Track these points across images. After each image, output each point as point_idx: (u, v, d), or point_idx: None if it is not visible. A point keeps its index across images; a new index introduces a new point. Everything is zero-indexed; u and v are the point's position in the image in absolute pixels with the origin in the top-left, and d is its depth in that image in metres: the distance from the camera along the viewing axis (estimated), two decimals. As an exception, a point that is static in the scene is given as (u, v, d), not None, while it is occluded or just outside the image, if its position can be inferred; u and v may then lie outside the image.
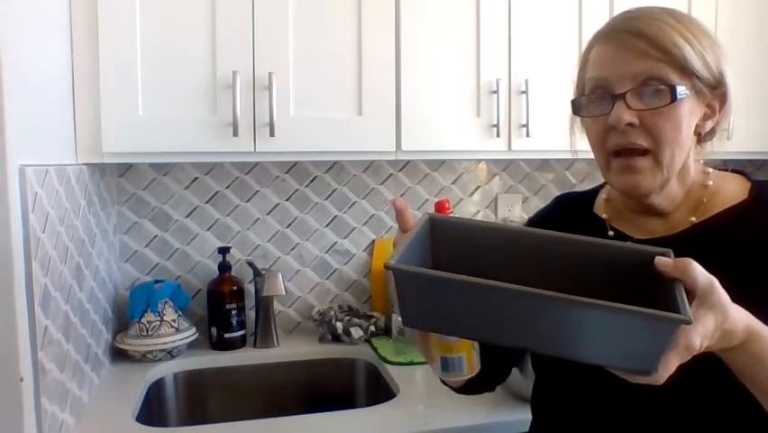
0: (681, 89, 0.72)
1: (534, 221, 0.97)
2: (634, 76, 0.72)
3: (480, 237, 0.71)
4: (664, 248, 0.65)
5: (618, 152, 0.75)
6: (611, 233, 0.84)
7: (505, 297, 0.58)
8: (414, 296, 0.62)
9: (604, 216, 0.87)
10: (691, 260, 0.61)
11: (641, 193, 0.77)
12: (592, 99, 0.77)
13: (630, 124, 0.72)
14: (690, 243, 0.77)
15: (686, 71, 0.72)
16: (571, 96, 0.82)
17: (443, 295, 0.61)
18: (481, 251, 0.70)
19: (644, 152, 0.74)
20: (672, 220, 0.80)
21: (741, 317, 0.61)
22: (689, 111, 0.74)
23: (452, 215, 0.72)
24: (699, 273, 0.59)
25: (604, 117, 0.75)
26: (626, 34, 0.74)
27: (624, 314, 0.55)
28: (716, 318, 0.59)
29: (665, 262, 0.62)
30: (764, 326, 0.64)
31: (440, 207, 0.72)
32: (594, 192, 0.93)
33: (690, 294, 0.59)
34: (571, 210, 0.92)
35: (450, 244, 0.71)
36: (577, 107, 0.80)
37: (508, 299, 0.58)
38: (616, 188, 0.81)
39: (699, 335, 0.57)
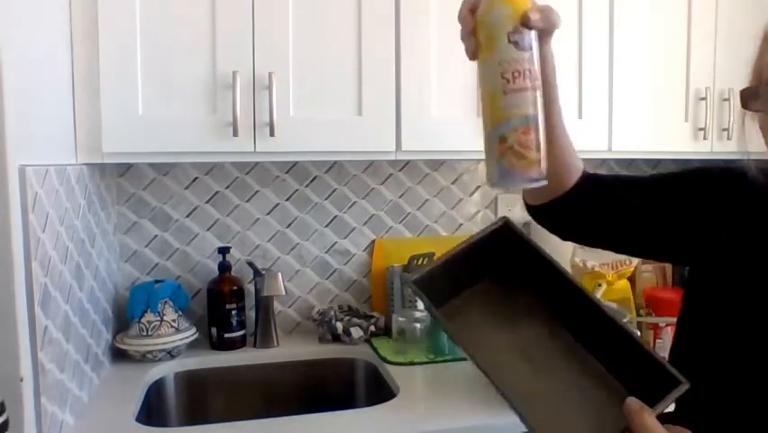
0: None
1: (737, 175, 0.76)
2: None
3: (545, 270, 0.68)
4: (683, 379, 0.60)
5: None
6: None
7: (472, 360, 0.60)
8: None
9: None
10: (645, 417, 0.56)
11: None
12: None
13: None
14: None
15: None
16: (746, 84, 0.68)
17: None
18: (542, 278, 0.68)
19: None
20: None
21: None
22: None
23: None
24: None
25: None
26: None
27: None
28: None
29: (628, 405, 0.57)
30: None
31: None
32: None
33: None
34: (756, 194, 0.73)
35: (516, 257, 0.69)
36: (748, 98, 0.65)
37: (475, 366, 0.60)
38: None
39: None
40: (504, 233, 0.68)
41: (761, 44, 0.66)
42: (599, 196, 0.83)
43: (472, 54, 0.66)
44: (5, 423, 0.59)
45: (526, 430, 0.59)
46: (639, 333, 1.42)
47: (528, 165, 0.65)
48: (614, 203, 0.82)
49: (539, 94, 0.65)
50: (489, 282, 0.71)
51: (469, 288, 0.70)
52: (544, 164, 0.65)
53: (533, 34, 0.64)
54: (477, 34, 0.65)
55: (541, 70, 0.69)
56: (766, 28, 0.66)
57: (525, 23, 0.62)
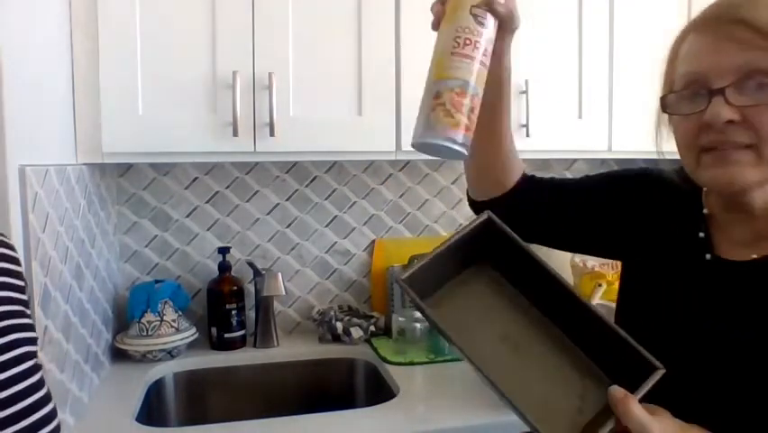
0: None
1: (653, 178, 0.85)
2: (735, 69, 0.64)
3: (525, 262, 0.69)
4: (658, 364, 0.63)
5: (711, 147, 0.67)
6: (701, 234, 0.76)
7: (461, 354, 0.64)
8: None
9: (705, 211, 0.78)
10: (631, 405, 0.59)
11: (736, 188, 0.68)
12: (684, 96, 0.69)
13: (730, 122, 0.64)
14: None
15: None
16: (660, 94, 0.75)
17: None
18: (522, 270, 0.70)
19: (744, 147, 0.65)
20: (761, 227, 0.71)
21: None
22: None
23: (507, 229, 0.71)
24: (634, 422, 0.58)
25: (697, 115, 0.67)
26: (725, 23, 0.65)
27: (530, 425, 0.59)
28: None
29: (612, 395, 0.60)
30: None
31: None
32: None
33: None
34: (688, 189, 0.79)
35: (497, 249, 0.71)
36: (666, 105, 0.72)
37: (461, 356, 0.64)
38: (705, 184, 0.73)
39: None
40: (488, 227, 0.70)
41: (668, 58, 0.74)
42: (536, 197, 0.91)
43: (437, 22, 0.72)
44: (57, 428, 0.60)
45: (525, 429, 0.61)
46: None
47: (454, 125, 0.68)
48: (548, 204, 0.90)
49: (484, 72, 0.70)
50: (472, 273, 0.73)
51: (452, 279, 0.72)
52: (468, 134, 0.69)
53: (492, 20, 0.71)
54: (446, 5, 0.72)
55: (495, 67, 0.76)
56: (673, 42, 0.74)
57: (489, 3, 0.70)
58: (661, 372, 0.62)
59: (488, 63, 0.71)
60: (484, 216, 0.70)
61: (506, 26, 0.74)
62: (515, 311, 0.70)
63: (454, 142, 0.68)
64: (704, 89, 0.66)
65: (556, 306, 0.68)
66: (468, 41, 0.69)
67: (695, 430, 0.62)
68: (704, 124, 0.66)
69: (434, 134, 0.68)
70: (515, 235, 0.69)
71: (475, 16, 0.70)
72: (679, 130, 0.72)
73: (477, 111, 0.70)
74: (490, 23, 0.71)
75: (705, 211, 0.78)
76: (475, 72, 0.69)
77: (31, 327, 0.61)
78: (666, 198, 0.82)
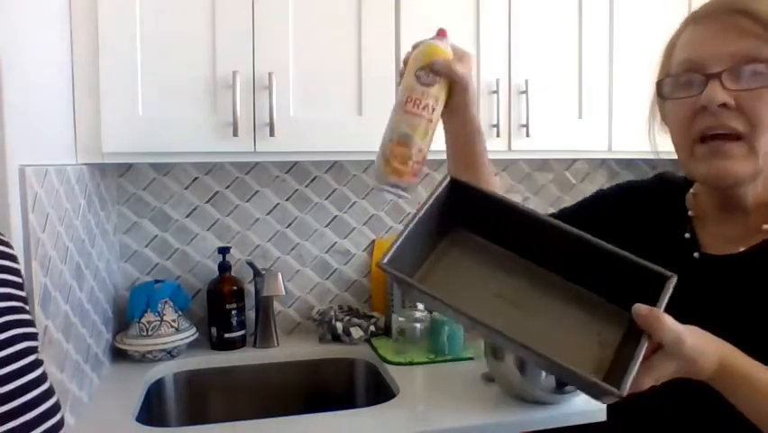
0: None
1: (627, 190, 0.89)
2: (731, 55, 0.66)
3: (501, 212, 0.68)
4: (669, 273, 0.61)
5: (704, 138, 0.68)
6: (687, 235, 0.77)
7: (465, 319, 0.61)
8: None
9: (690, 213, 0.79)
10: (661, 316, 0.56)
11: (730, 182, 0.69)
12: (681, 81, 0.70)
13: (724, 105, 0.65)
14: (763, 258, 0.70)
15: None
16: (655, 80, 0.76)
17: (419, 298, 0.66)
18: (500, 223, 0.69)
19: (736, 138, 0.66)
20: (751, 222, 0.72)
21: (713, 358, 0.59)
22: None
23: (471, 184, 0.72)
24: (667, 333, 0.56)
25: (693, 99, 0.68)
26: (724, 13, 0.67)
27: (562, 369, 0.56)
28: (679, 366, 0.58)
29: (638, 313, 0.57)
30: (741, 359, 0.61)
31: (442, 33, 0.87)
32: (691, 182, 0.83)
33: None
34: (667, 194, 0.83)
35: (468, 210, 0.70)
36: (661, 90, 0.73)
37: (468, 322, 0.61)
38: (699, 178, 0.73)
39: (652, 379, 0.57)
40: (453, 189, 0.70)
41: (666, 49, 0.76)
42: None
43: (399, 78, 0.88)
44: (59, 423, 0.60)
45: (525, 429, 0.59)
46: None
47: (391, 172, 0.82)
48: None
49: (427, 125, 0.83)
50: (449, 242, 0.71)
51: (432, 254, 0.70)
52: (408, 178, 0.82)
53: (437, 78, 0.83)
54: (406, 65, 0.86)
55: (458, 120, 0.88)
56: (672, 34, 0.76)
57: (429, 65, 0.83)
58: (674, 278, 0.60)
59: (433, 117, 0.83)
60: (447, 177, 0.70)
61: (456, 85, 0.84)
62: (504, 268, 0.68)
63: (390, 184, 0.82)
64: (701, 74, 0.68)
65: (546, 249, 0.66)
66: (409, 99, 0.83)
67: (727, 343, 0.61)
68: (699, 108, 0.67)
69: (377, 178, 0.83)
70: (484, 189, 0.69)
71: (417, 78, 0.83)
72: (674, 116, 0.72)
73: (420, 158, 0.82)
74: (436, 82, 0.83)
75: (690, 213, 0.79)
76: (417, 126, 0.82)
77: (31, 323, 0.61)
78: (647, 206, 0.83)
